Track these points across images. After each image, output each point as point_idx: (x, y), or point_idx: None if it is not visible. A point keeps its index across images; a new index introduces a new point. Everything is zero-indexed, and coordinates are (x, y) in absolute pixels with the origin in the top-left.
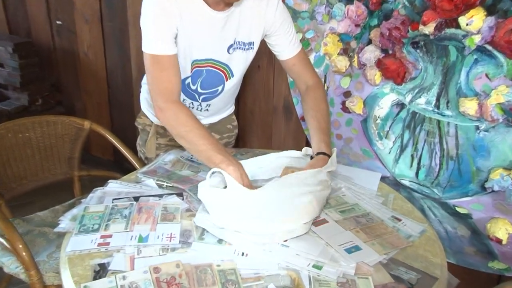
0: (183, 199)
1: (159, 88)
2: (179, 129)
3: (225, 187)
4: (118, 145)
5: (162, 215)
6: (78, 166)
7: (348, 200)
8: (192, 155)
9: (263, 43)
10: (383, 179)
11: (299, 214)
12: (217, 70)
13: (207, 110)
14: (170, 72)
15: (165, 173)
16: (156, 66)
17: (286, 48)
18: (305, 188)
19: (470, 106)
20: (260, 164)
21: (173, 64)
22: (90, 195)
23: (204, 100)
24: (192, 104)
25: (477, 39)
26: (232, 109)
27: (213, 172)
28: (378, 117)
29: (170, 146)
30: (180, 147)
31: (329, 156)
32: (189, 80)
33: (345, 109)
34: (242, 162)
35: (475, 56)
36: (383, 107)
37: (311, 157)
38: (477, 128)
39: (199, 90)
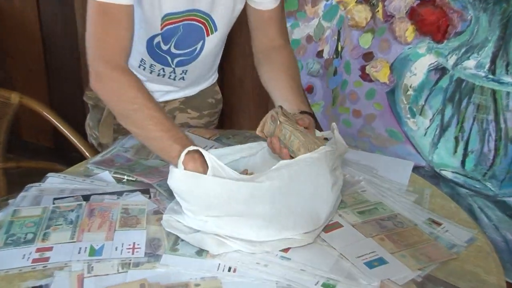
0: (150, 197)
1: (101, 48)
2: (122, 106)
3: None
4: (60, 126)
5: (122, 219)
6: (2, 155)
7: (369, 198)
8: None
9: None
10: (416, 169)
11: (310, 216)
12: (196, 23)
13: (183, 78)
14: (120, 27)
15: (126, 163)
16: (103, 17)
17: None
18: (318, 177)
19: None
20: (243, 152)
21: (126, 18)
22: (22, 194)
23: (179, 64)
24: (163, 71)
25: None
26: (215, 77)
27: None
28: (410, 87)
29: None
30: None
31: (314, 117)
32: (158, 39)
33: (365, 76)
34: (217, 151)
35: None
36: (416, 74)
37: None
38: None
39: (173, 50)
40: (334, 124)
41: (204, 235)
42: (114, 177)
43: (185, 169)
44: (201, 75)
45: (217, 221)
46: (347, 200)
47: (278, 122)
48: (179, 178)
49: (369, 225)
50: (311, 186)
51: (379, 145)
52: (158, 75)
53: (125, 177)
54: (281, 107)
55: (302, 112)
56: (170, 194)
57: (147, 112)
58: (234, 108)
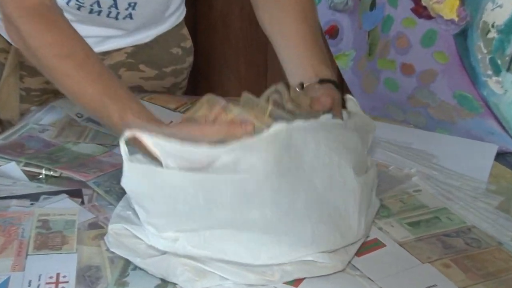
0: (82, 202)
1: None
2: (44, 53)
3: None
4: None
5: (39, 237)
6: None
7: (426, 201)
8: None
9: None
10: (501, 156)
11: (334, 223)
12: None
13: (130, 17)
14: None
15: (44, 149)
16: None
17: None
18: (331, 153)
19: None
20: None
21: None
22: None
23: None
24: (98, 6)
25: None
26: (180, 14)
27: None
28: (493, 27)
29: (52, 94)
30: None
31: (340, 86)
32: None
33: (420, 10)
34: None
35: None
36: (503, 5)
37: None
38: None
39: None
40: (348, 95)
41: (173, 259)
42: (24, 172)
43: (133, 144)
44: (158, 11)
45: (191, 238)
46: (391, 204)
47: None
48: (137, 175)
49: (427, 244)
50: (323, 170)
51: (443, 119)
52: (91, 12)
53: (43, 171)
54: (287, 84)
55: (321, 82)
56: (116, 197)
57: (78, 61)
58: (213, 62)
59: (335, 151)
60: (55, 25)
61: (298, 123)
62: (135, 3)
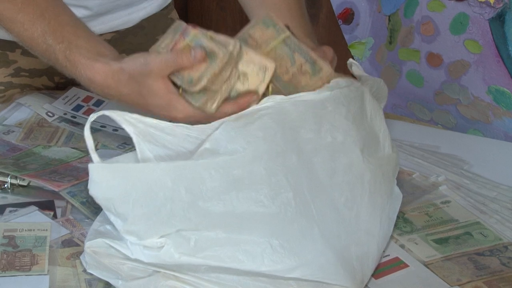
0: (55, 216)
1: None
2: None
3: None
4: None
5: (4, 255)
6: None
7: (456, 215)
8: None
9: None
10: None
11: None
12: None
13: None
14: None
15: (8, 154)
16: None
17: None
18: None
19: None
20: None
21: None
22: None
23: None
24: None
25: None
26: None
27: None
28: None
29: (18, 89)
30: (45, 85)
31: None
32: None
33: None
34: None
35: None
36: None
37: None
38: None
39: None
40: (351, 60)
41: (161, 281)
42: None
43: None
44: None
45: (178, 243)
46: (415, 218)
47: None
48: (106, 176)
49: (456, 264)
50: (324, 151)
51: (475, 119)
52: None
53: (9, 179)
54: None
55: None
56: (94, 210)
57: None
58: None
59: (341, 128)
60: None
61: (296, 97)
62: None
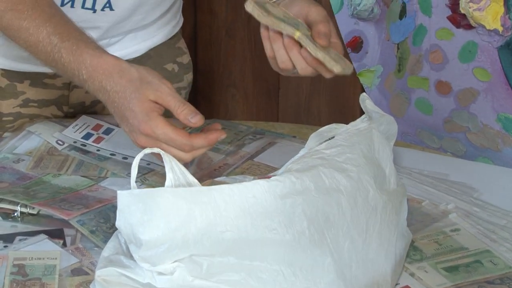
0: (64, 244)
1: None
2: None
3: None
4: None
5: (14, 284)
6: None
7: (466, 243)
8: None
9: None
10: None
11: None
12: None
13: (110, 7)
14: None
15: (18, 182)
16: None
17: None
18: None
19: None
20: None
21: None
22: None
23: None
24: None
25: None
26: (176, 24)
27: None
28: None
29: (27, 119)
30: (54, 115)
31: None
32: None
33: (457, 19)
34: None
35: None
36: None
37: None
38: None
39: None
40: (364, 94)
41: None
42: None
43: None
44: (143, 8)
45: (191, 268)
46: (425, 246)
47: (263, 13)
48: (132, 201)
49: None
50: (350, 189)
51: (485, 147)
52: (63, 3)
53: (18, 208)
54: None
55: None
56: (104, 238)
57: (28, 6)
58: (216, 80)
59: (354, 161)
60: None
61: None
62: None
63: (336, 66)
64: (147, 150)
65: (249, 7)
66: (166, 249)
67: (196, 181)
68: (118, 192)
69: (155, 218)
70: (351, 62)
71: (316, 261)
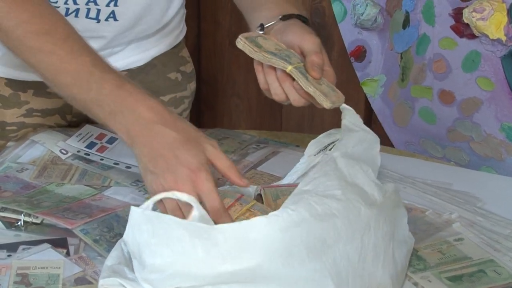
0: (68, 253)
1: None
2: (21, 32)
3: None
4: None
5: None
6: None
7: (469, 252)
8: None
9: None
10: None
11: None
12: None
13: (113, 16)
14: None
15: (22, 191)
16: None
17: None
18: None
19: None
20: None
21: None
22: None
23: None
24: (74, 2)
25: None
26: (179, 33)
27: None
28: None
29: (31, 128)
30: (58, 124)
31: (306, 22)
32: None
33: (461, 29)
34: None
35: None
36: None
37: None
38: None
39: None
40: (344, 105)
41: None
42: (0, 218)
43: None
44: (147, 15)
45: None
46: (428, 256)
47: (254, 48)
48: (143, 220)
49: None
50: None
51: (488, 156)
52: (67, 12)
53: (22, 217)
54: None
55: (286, 17)
56: (107, 247)
57: (62, 35)
58: (219, 89)
59: (337, 185)
60: (30, 2)
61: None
62: None
63: (325, 102)
64: (165, 195)
65: (240, 44)
66: (168, 275)
67: (208, 217)
68: (132, 208)
69: (161, 244)
70: (355, 73)
71: (316, 283)
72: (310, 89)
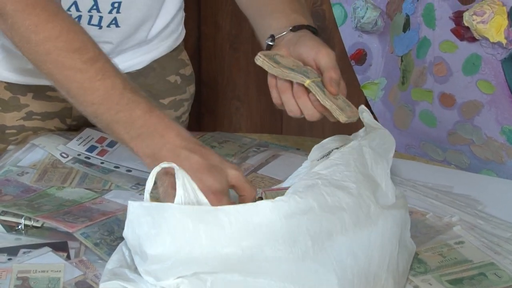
0: (68, 257)
1: None
2: (50, 47)
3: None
4: None
5: None
6: None
7: (470, 255)
8: (88, 149)
9: None
10: None
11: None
12: None
13: (116, 23)
14: None
15: (22, 195)
16: None
17: None
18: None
19: None
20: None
21: None
22: None
23: None
24: (77, 9)
25: None
26: (178, 36)
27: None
28: None
29: (31, 131)
30: (58, 127)
31: (316, 33)
32: None
33: (461, 32)
34: None
35: None
36: None
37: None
38: None
39: None
40: (362, 106)
41: None
42: (0, 221)
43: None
44: (149, 19)
45: (194, 284)
46: (429, 259)
47: (273, 64)
48: (142, 213)
49: None
50: (352, 206)
51: (489, 159)
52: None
53: (22, 220)
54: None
55: (296, 28)
56: (108, 251)
57: (92, 54)
58: (219, 92)
59: (353, 177)
60: (58, 17)
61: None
62: (120, 3)
63: (341, 116)
64: (164, 164)
65: (259, 60)
66: (170, 265)
67: (206, 200)
68: (129, 202)
69: (162, 233)
70: (356, 76)
71: (320, 278)
72: (327, 103)
